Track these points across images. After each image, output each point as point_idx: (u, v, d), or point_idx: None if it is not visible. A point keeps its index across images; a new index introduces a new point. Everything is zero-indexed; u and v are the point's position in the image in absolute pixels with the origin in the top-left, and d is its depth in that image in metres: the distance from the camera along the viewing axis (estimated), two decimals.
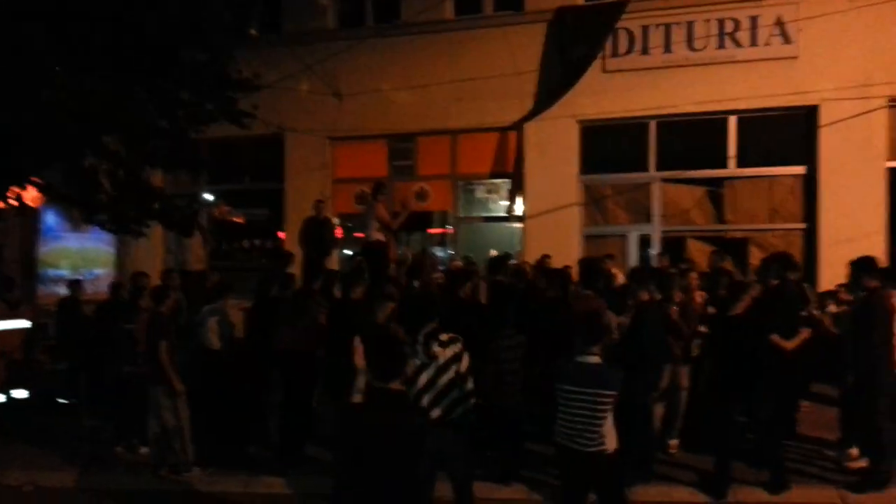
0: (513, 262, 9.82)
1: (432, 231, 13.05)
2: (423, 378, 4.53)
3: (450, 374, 4.55)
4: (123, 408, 7.43)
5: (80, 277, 10.64)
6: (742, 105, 10.81)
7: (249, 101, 9.02)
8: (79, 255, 12.73)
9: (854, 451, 6.38)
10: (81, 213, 8.87)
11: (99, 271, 11.99)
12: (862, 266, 6.03)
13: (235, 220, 11.84)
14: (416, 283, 7.82)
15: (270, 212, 13.09)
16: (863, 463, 6.15)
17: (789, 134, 11.03)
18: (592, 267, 7.23)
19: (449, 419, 4.55)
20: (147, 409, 6.74)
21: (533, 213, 11.64)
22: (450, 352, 4.58)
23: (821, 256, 10.42)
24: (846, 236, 9.81)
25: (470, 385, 4.63)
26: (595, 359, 4.30)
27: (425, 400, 4.52)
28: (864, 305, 5.95)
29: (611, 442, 4.26)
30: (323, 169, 12.62)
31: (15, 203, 8.05)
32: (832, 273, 7.89)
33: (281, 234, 12.70)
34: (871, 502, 5.71)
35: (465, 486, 4.83)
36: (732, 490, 5.87)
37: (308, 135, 12.31)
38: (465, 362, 4.62)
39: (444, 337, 4.62)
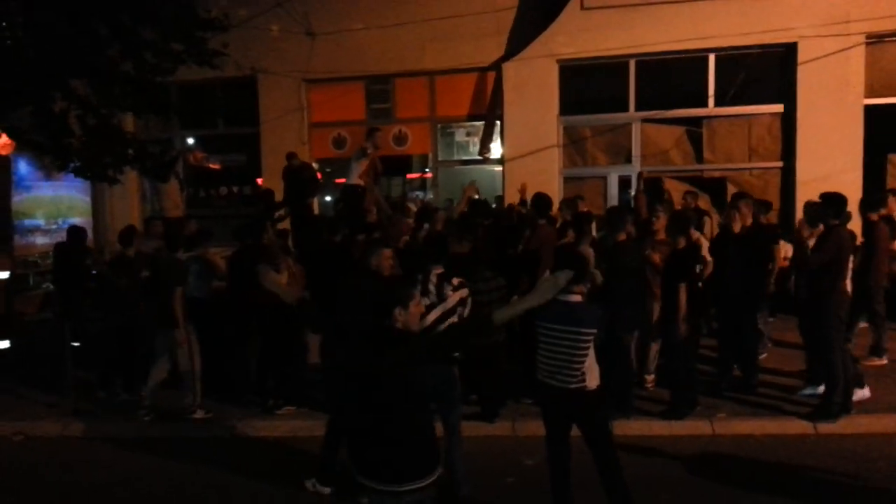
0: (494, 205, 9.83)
1: (411, 176, 12.97)
2: (432, 316, 4.79)
3: (455, 316, 4.85)
4: (110, 356, 7.46)
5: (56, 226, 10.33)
6: (721, 43, 10.78)
7: (219, 41, 8.76)
8: (53, 203, 12.48)
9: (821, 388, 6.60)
10: (54, 160, 8.66)
11: (75, 220, 11.76)
12: (830, 203, 6.15)
13: (211, 166, 11.64)
14: (425, 227, 7.77)
15: (247, 157, 12.89)
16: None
17: (767, 72, 11.03)
18: (543, 198, 7.49)
19: (449, 358, 4.80)
20: (152, 354, 6.85)
21: (512, 156, 11.58)
22: (457, 296, 4.90)
23: (798, 195, 10.49)
24: (823, 175, 9.90)
25: None
26: (576, 297, 4.33)
27: None
28: (824, 242, 6.08)
29: (592, 379, 4.33)
30: (299, 112, 12.39)
31: None
32: None
33: (259, 180, 12.54)
34: (840, 430, 5.96)
35: (457, 424, 5.00)
36: (716, 421, 6.14)
37: (282, 77, 12.03)
38: (468, 307, 4.97)
39: (455, 281, 4.95)
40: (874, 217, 7.20)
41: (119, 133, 9.03)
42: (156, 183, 9.89)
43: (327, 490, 5.19)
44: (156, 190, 9.99)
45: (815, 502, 4.89)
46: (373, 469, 3.09)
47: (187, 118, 12.41)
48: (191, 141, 12.88)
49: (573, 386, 4.29)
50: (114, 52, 8.23)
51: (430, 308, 4.81)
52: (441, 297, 4.84)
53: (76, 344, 7.24)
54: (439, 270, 4.95)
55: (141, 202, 13.00)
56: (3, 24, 7.83)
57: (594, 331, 4.27)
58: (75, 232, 8.53)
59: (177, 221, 8.94)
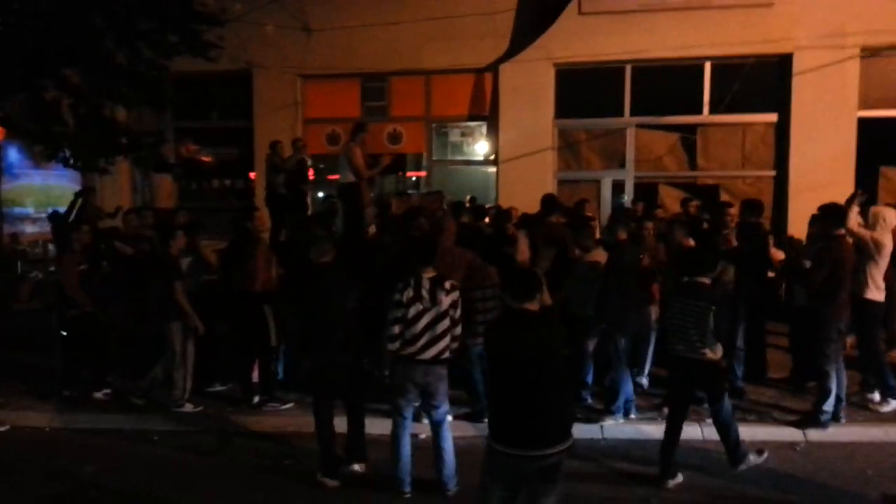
0: (489, 205, 9.83)
1: (410, 174, 12.93)
2: (424, 321, 4.75)
3: (447, 320, 4.79)
4: (66, 351, 7.19)
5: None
6: (717, 51, 10.83)
7: (215, 34, 8.70)
8: (43, 192, 12.39)
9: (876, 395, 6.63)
10: (44, 148, 8.58)
11: (64, 209, 11.66)
12: (830, 214, 6.19)
13: (203, 159, 11.55)
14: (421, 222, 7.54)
15: (239, 151, 12.80)
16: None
17: (763, 81, 11.09)
18: (551, 199, 7.76)
19: (440, 359, 4.80)
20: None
21: (507, 157, 11.59)
22: (449, 299, 4.81)
23: (790, 204, 10.61)
24: (814, 184, 9.96)
25: (459, 330, 4.92)
26: (706, 280, 5.06)
27: (421, 342, 4.74)
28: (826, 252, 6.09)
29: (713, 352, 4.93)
30: (293, 107, 12.34)
31: None
32: (801, 221, 8.08)
33: (252, 175, 12.46)
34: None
35: (444, 422, 4.99)
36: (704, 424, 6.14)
37: (278, 71, 11.97)
38: (459, 309, 4.89)
39: (447, 285, 4.85)
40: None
41: (111, 123, 8.96)
42: (150, 173, 9.83)
43: (334, 483, 5.16)
44: (149, 181, 9.90)
45: None
46: (530, 438, 3.47)
47: (181, 110, 12.30)
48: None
49: (694, 355, 4.96)
50: (109, 42, 8.16)
51: (421, 313, 4.75)
52: (434, 302, 4.77)
53: (64, 333, 7.13)
54: (431, 274, 4.87)
55: (132, 193, 12.86)
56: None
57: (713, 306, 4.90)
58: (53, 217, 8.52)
59: (167, 213, 8.86)
